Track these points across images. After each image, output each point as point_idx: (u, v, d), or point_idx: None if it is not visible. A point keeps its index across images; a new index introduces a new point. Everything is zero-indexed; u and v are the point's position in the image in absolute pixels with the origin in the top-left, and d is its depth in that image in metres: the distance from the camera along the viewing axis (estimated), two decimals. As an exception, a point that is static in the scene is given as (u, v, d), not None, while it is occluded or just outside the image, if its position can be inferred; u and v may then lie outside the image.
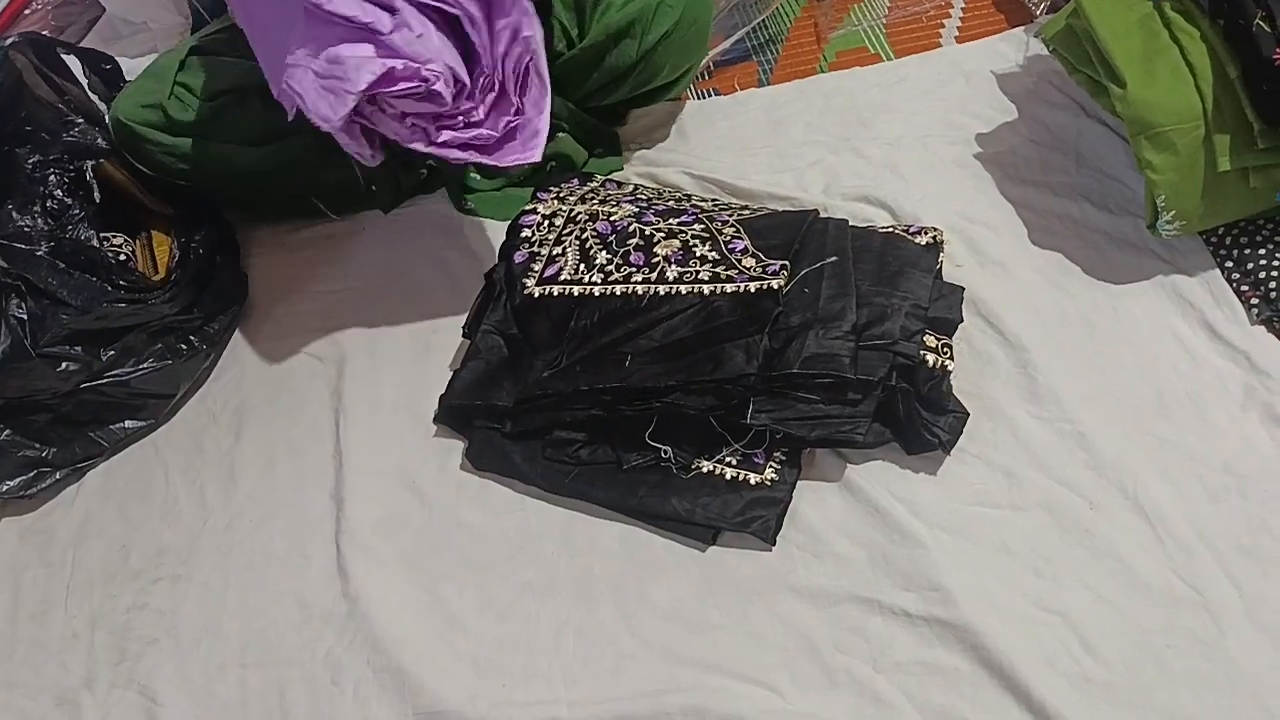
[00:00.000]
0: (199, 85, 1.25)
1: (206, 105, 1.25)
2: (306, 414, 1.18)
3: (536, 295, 1.10)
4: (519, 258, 1.14)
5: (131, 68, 1.41)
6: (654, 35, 1.24)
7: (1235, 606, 0.88)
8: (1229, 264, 1.10)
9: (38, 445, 1.15)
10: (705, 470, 1.01)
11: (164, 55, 1.31)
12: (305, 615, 1.02)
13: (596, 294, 1.08)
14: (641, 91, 1.33)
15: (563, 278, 1.11)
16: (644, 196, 1.25)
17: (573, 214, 1.19)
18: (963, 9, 1.52)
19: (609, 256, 1.11)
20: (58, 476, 1.16)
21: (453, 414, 1.11)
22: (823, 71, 1.48)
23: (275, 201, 1.37)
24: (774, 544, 0.98)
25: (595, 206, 1.20)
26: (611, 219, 1.16)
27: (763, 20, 1.56)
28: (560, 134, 1.34)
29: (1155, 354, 1.05)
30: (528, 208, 1.20)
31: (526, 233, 1.17)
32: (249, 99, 1.23)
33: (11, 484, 1.13)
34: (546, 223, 1.19)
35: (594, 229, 1.15)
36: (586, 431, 1.04)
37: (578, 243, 1.14)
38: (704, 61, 1.50)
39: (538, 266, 1.13)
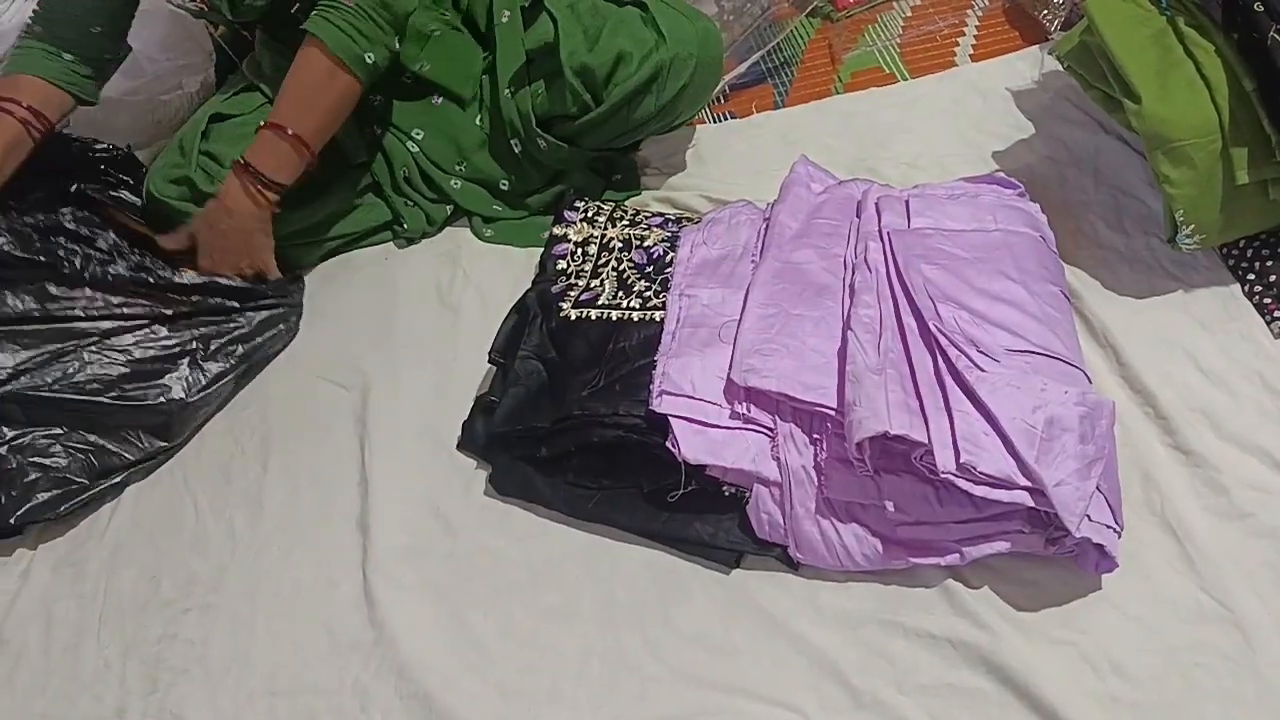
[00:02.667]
0: (222, 154, 1.27)
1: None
2: (331, 442, 1.20)
3: (574, 318, 1.11)
4: (555, 289, 1.15)
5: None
6: (672, 90, 1.24)
7: (1264, 623, 0.87)
8: (1250, 277, 1.10)
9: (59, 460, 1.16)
10: (727, 493, 1.01)
11: (188, 125, 1.33)
12: (333, 643, 1.02)
13: (635, 319, 1.09)
14: (661, 131, 1.34)
15: (600, 302, 1.12)
16: (672, 217, 1.26)
17: (605, 240, 1.20)
18: (977, 27, 1.53)
19: (646, 284, 1.12)
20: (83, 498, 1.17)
21: (495, 442, 1.11)
22: (838, 93, 1.49)
23: (306, 253, 1.40)
24: (798, 568, 0.98)
25: (627, 230, 1.22)
26: (645, 245, 1.17)
27: (777, 43, 1.57)
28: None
29: (1169, 372, 1.05)
30: (557, 232, 1.21)
31: (561, 264, 1.18)
32: None
33: (43, 498, 1.14)
34: (580, 250, 1.20)
35: (630, 259, 1.16)
36: (609, 453, 1.04)
37: (614, 274, 1.16)
38: (720, 85, 1.51)
39: (574, 294, 1.14)
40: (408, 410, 1.20)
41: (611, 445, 1.03)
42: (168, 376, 1.21)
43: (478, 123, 1.36)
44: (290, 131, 1.17)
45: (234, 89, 1.36)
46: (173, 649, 1.06)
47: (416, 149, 1.36)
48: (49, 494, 1.15)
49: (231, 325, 1.27)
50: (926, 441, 0.88)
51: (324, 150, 1.27)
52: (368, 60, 1.17)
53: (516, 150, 1.34)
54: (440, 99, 1.36)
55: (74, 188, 1.24)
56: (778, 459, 0.97)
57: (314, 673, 1.01)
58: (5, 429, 1.15)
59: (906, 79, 1.48)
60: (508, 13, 1.32)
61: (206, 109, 1.33)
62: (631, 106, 1.24)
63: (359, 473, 1.16)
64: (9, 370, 1.15)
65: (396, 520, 1.10)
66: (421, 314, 1.31)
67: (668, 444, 0.96)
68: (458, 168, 1.37)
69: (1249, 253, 1.11)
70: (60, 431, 1.17)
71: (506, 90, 1.31)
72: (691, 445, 0.96)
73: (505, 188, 1.38)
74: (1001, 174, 1.15)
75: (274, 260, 1.27)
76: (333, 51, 1.15)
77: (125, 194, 1.30)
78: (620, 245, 1.18)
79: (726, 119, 1.49)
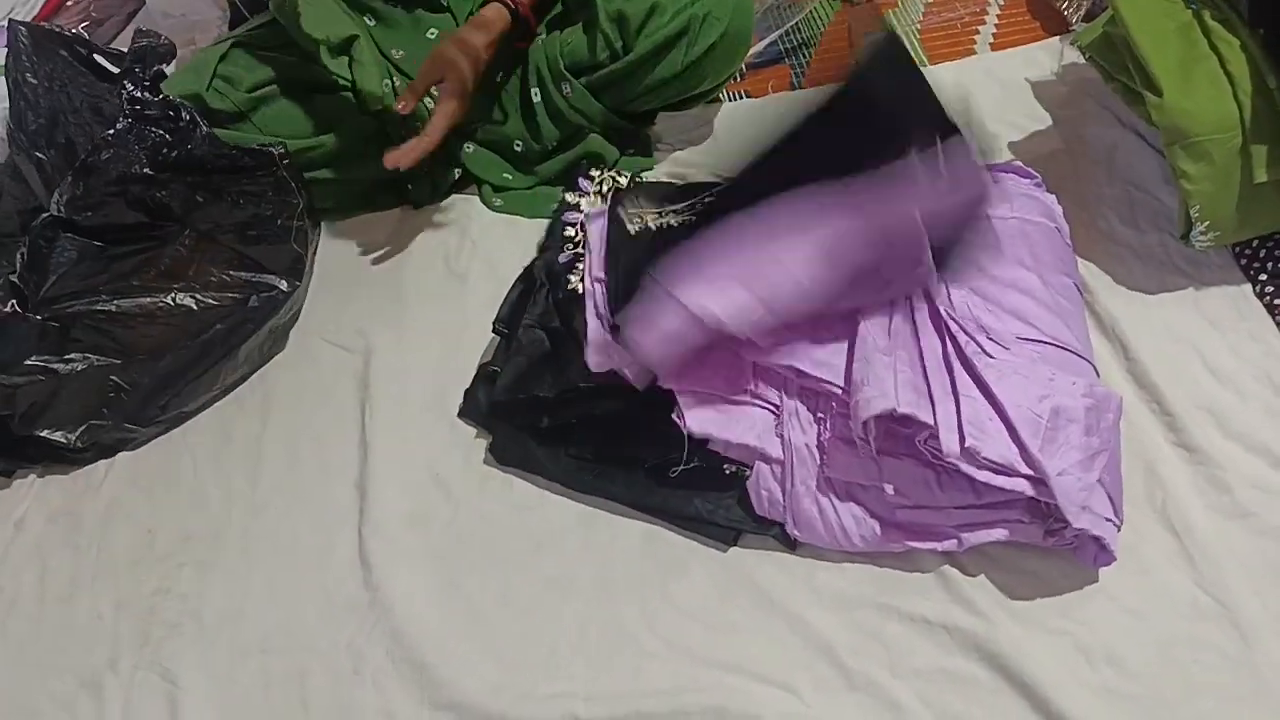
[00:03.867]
0: (239, 78, 1.26)
1: (246, 97, 1.26)
2: (333, 404, 1.19)
3: (581, 291, 1.10)
4: (562, 258, 1.14)
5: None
6: (700, 47, 1.24)
7: (1262, 622, 0.87)
8: (1262, 276, 1.09)
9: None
10: (728, 471, 1.01)
11: (207, 49, 1.33)
12: (328, 604, 1.02)
13: None
14: (681, 99, 1.33)
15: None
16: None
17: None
18: (998, 16, 1.51)
19: None
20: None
21: (496, 411, 1.11)
22: (855, 76, 1.47)
23: (313, 194, 1.38)
24: (795, 547, 0.98)
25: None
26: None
27: (796, 24, 1.56)
28: (591, 134, 1.34)
29: (1177, 368, 1.04)
30: (570, 199, 1.21)
31: (570, 231, 1.17)
32: (291, 94, 1.25)
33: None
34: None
35: None
36: (611, 426, 1.04)
37: None
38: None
39: (581, 264, 1.13)
40: (411, 376, 1.20)
41: (614, 417, 1.03)
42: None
43: (498, 77, 1.35)
44: None
45: (258, 23, 1.36)
46: (166, 603, 1.06)
47: (433, 104, 1.35)
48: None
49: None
50: (932, 423, 0.87)
51: (334, 93, 1.28)
52: None
53: (536, 99, 1.33)
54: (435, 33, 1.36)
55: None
56: (781, 435, 0.97)
57: (308, 632, 1.01)
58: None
59: (925, 65, 1.46)
60: None
61: (229, 35, 1.33)
62: (658, 59, 1.24)
63: (359, 435, 1.15)
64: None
65: (396, 485, 1.10)
66: (428, 281, 1.30)
67: (673, 416, 0.96)
68: (473, 129, 1.37)
69: (1262, 252, 1.11)
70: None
71: (543, 35, 1.32)
72: (697, 418, 0.96)
73: (519, 149, 1.37)
74: (1019, 163, 1.15)
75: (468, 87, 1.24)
76: None
77: None
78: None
79: (743, 98, 1.48)
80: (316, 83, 1.31)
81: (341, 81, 1.30)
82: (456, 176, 1.40)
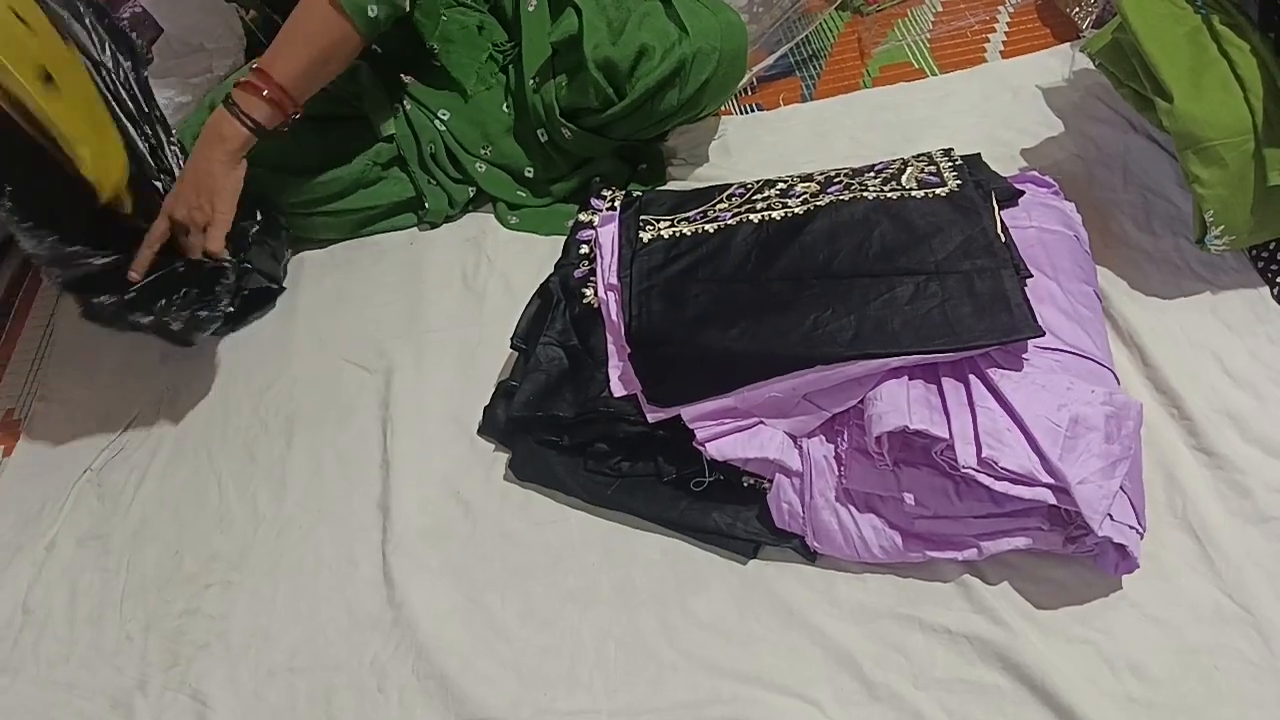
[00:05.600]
0: None
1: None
2: (355, 424, 1.21)
3: (596, 306, 1.11)
4: (577, 273, 1.15)
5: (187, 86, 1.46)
6: (694, 84, 1.23)
7: (1285, 627, 0.87)
8: (1279, 280, 1.09)
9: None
10: (746, 484, 1.01)
11: (218, 86, 1.35)
12: (352, 622, 1.03)
13: None
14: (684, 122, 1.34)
15: None
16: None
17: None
18: (1008, 24, 1.52)
19: None
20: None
21: (515, 426, 1.12)
22: (866, 87, 1.48)
23: (328, 225, 1.41)
24: (815, 559, 0.98)
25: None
26: None
27: (806, 36, 1.56)
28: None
29: (1195, 373, 1.04)
30: (583, 218, 1.22)
31: (584, 249, 1.18)
32: (300, 129, 1.27)
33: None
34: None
35: None
36: (632, 445, 1.05)
37: None
38: (747, 78, 1.51)
39: (596, 279, 1.14)
40: (431, 394, 1.21)
41: (633, 434, 1.04)
42: None
43: (505, 109, 1.37)
44: (274, 78, 1.15)
45: None
46: (194, 624, 1.07)
47: (444, 128, 1.37)
48: None
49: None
50: (947, 436, 0.87)
51: (349, 118, 1.28)
52: (370, 12, 1.15)
53: (542, 139, 1.34)
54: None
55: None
56: (800, 448, 0.97)
57: (333, 651, 1.02)
58: None
59: (936, 74, 1.47)
60: (534, 2, 1.32)
61: (238, 73, 1.35)
62: (655, 101, 1.24)
63: (381, 454, 1.16)
64: None
65: (417, 502, 1.11)
66: (446, 299, 1.32)
67: (694, 445, 0.97)
68: (483, 151, 1.38)
69: (1279, 255, 1.10)
70: None
71: (531, 81, 1.32)
72: (718, 446, 0.97)
73: (530, 175, 1.38)
74: (1035, 172, 1.15)
75: (231, 211, 1.16)
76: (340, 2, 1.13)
77: None
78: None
79: (754, 111, 1.49)
80: (332, 113, 1.33)
81: (355, 109, 1.32)
82: (472, 195, 1.41)
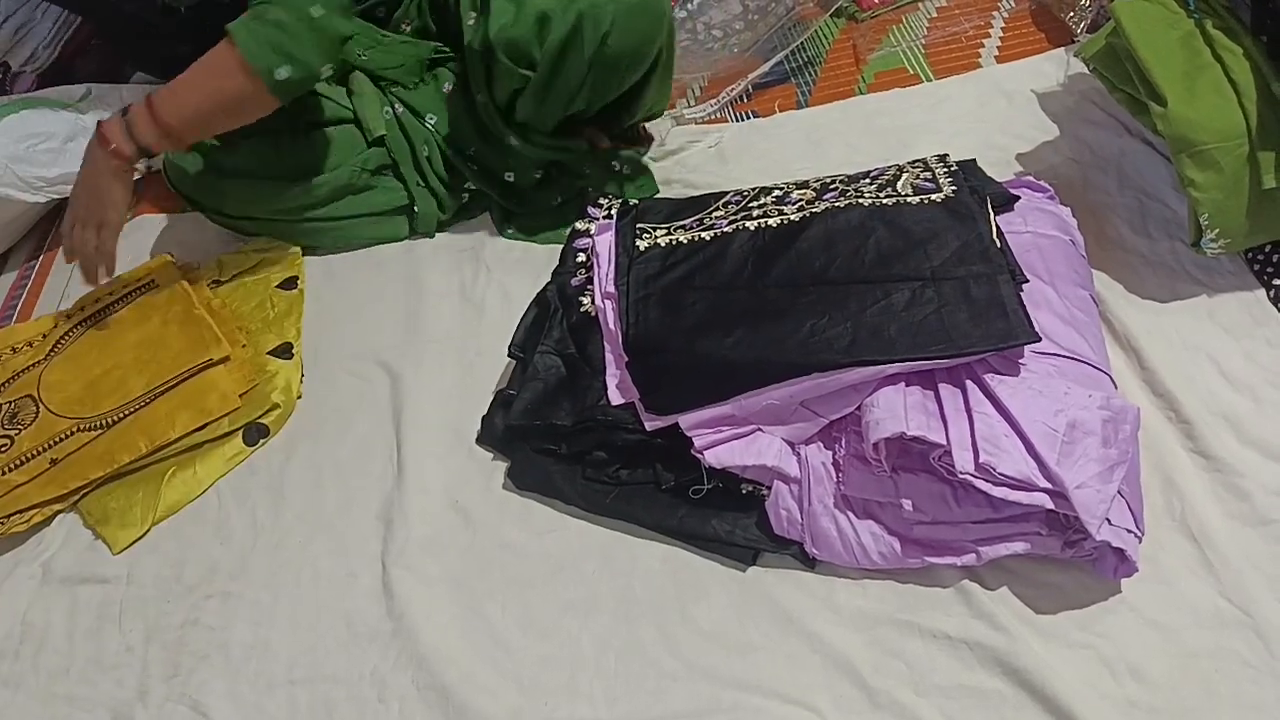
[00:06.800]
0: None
1: (245, 143, 1.29)
2: (353, 435, 1.21)
3: (594, 314, 1.11)
4: (575, 281, 1.16)
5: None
6: (594, 39, 1.16)
7: (1285, 630, 0.87)
8: (1276, 281, 1.09)
9: None
10: (745, 491, 1.01)
11: None
12: (352, 633, 1.03)
13: None
14: (622, 92, 1.28)
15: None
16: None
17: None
18: (1002, 29, 1.52)
19: None
20: None
21: (512, 435, 1.12)
22: (861, 93, 1.48)
23: (317, 231, 1.42)
24: (814, 566, 0.98)
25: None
26: None
27: (801, 43, 1.57)
28: (584, 171, 1.37)
29: (1192, 376, 1.04)
30: (580, 227, 1.22)
31: (581, 258, 1.18)
32: (281, 139, 1.27)
33: None
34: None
35: None
36: (630, 453, 1.05)
37: None
38: (743, 85, 1.52)
39: (593, 287, 1.14)
40: (430, 404, 1.21)
41: (632, 442, 1.04)
42: None
43: (483, 116, 1.37)
44: (163, 116, 1.15)
45: None
46: (194, 635, 1.07)
47: (433, 129, 1.37)
48: None
49: None
50: (944, 443, 0.88)
51: (336, 123, 1.30)
52: (278, 75, 1.13)
53: (515, 144, 1.33)
54: (449, 87, 1.37)
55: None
56: (798, 454, 0.97)
57: (333, 662, 1.02)
58: None
59: (931, 80, 1.47)
60: (474, 15, 1.28)
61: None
62: (563, 65, 1.19)
63: (380, 465, 1.17)
64: None
65: (416, 512, 1.11)
66: (444, 308, 1.32)
67: (692, 453, 0.97)
68: (470, 151, 1.38)
69: (1275, 257, 1.11)
70: None
71: (479, 96, 1.31)
72: (716, 454, 0.97)
73: (510, 179, 1.38)
74: (1030, 177, 1.15)
75: (120, 219, 1.22)
76: (243, 55, 1.11)
77: None
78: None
79: (749, 118, 1.49)
80: (320, 119, 1.33)
81: (344, 113, 1.32)
82: (465, 200, 1.41)
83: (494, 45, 1.19)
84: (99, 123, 1.18)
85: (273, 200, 1.35)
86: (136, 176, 1.27)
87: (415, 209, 1.39)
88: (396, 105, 1.37)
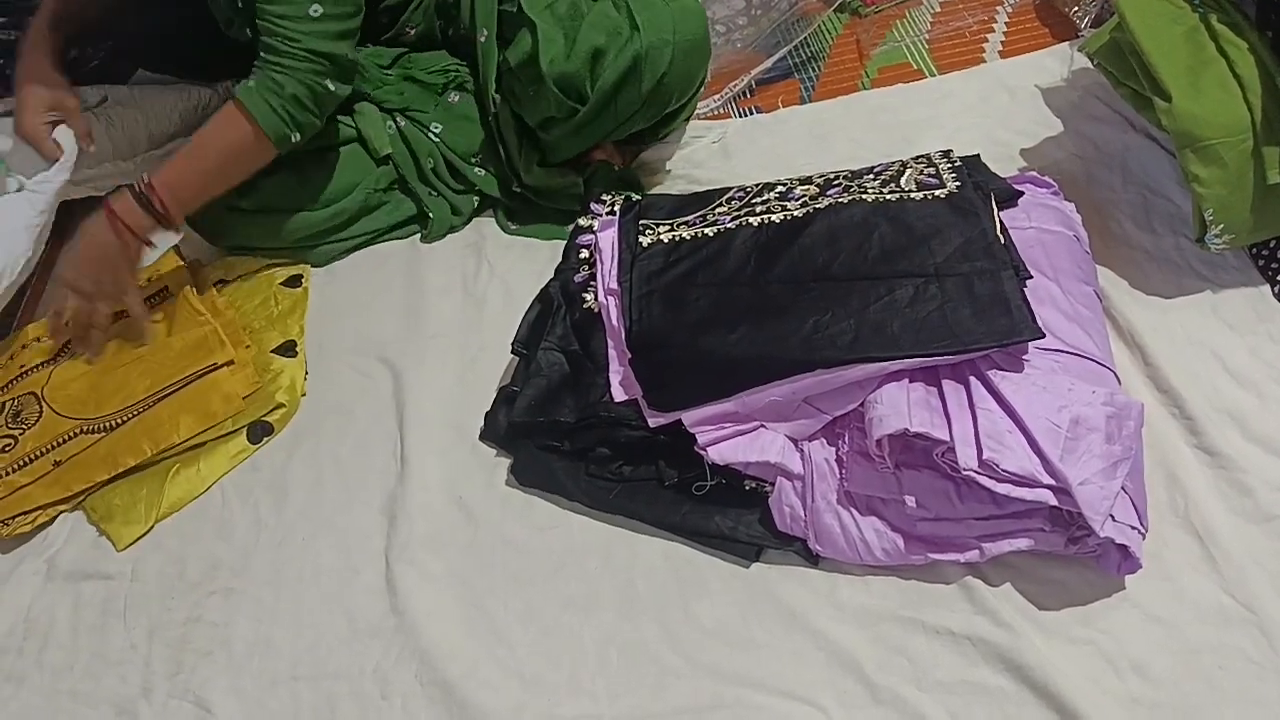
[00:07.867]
0: None
1: (267, 181, 1.30)
2: (356, 431, 1.21)
3: (597, 311, 1.11)
4: (578, 278, 1.16)
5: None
6: (652, 78, 1.21)
7: (1288, 626, 0.87)
8: (1280, 277, 1.09)
9: None
10: (748, 488, 1.01)
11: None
12: (354, 629, 1.03)
13: None
14: (656, 120, 1.32)
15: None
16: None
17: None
18: (1006, 24, 1.52)
19: None
20: None
21: (515, 431, 1.11)
22: (865, 88, 1.48)
23: (335, 250, 1.42)
24: (818, 562, 0.98)
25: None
26: None
27: (804, 38, 1.56)
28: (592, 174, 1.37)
29: (1196, 372, 1.04)
30: (583, 223, 1.22)
31: (585, 253, 1.18)
32: (304, 166, 1.28)
33: None
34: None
35: None
36: (633, 450, 1.05)
37: None
38: (746, 80, 1.51)
39: (597, 283, 1.14)
40: (432, 400, 1.21)
41: (635, 439, 1.04)
42: None
43: (491, 121, 1.37)
44: (160, 204, 1.17)
45: None
46: (197, 632, 1.07)
47: (438, 139, 1.37)
48: None
49: None
50: (947, 439, 0.88)
51: (347, 145, 1.31)
52: (292, 138, 1.20)
53: (527, 173, 1.35)
54: (456, 96, 1.38)
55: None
56: (801, 450, 0.97)
57: (335, 658, 1.02)
58: None
59: (935, 75, 1.47)
60: (485, 31, 1.32)
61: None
62: (616, 101, 1.22)
63: (382, 461, 1.17)
64: None
65: (419, 509, 1.11)
66: (447, 305, 1.32)
67: (695, 449, 0.97)
68: (475, 158, 1.39)
69: (1279, 253, 1.10)
70: None
71: (492, 115, 1.33)
72: (719, 451, 0.97)
73: (517, 190, 1.38)
74: (1034, 173, 1.15)
75: (135, 284, 1.24)
76: (259, 125, 1.16)
77: None
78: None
79: (753, 113, 1.49)
80: (329, 143, 1.34)
81: (350, 133, 1.34)
82: (476, 204, 1.42)
83: (545, 78, 1.20)
84: (105, 199, 1.18)
85: (296, 230, 1.36)
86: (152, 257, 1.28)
87: (431, 216, 1.39)
88: (399, 119, 1.37)
